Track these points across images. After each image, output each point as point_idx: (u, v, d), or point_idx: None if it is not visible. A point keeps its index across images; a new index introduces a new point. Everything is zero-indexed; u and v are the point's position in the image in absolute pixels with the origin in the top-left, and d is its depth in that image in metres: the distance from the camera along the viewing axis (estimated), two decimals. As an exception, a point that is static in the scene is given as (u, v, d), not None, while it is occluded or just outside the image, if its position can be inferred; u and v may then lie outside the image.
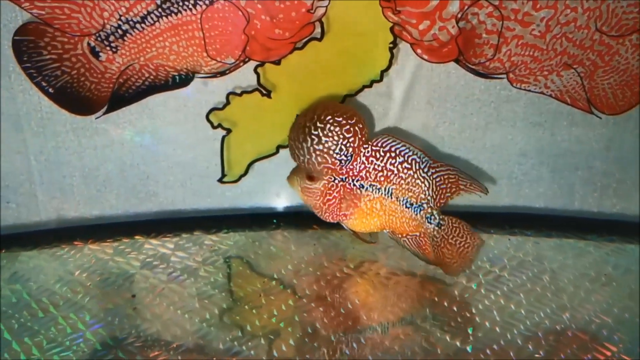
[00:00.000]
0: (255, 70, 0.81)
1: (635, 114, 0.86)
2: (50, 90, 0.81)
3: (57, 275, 0.78)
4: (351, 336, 0.68)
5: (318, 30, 0.79)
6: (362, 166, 0.79)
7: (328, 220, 0.82)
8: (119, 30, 0.80)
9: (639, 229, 0.90)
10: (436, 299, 0.73)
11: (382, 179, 0.79)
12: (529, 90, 0.85)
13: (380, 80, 0.83)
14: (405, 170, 0.78)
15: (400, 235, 0.81)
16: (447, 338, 0.67)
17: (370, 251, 0.83)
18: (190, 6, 0.78)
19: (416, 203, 0.79)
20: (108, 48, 0.80)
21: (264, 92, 0.83)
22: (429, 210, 0.78)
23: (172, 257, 0.82)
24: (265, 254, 0.83)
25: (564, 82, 0.85)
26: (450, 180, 0.78)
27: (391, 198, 0.79)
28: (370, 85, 0.83)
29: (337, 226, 0.83)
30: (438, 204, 0.79)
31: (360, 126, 0.78)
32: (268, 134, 0.85)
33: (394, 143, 0.79)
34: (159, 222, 0.89)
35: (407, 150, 0.78)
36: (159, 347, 0.66)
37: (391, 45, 0.81)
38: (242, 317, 0.70)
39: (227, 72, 0.82)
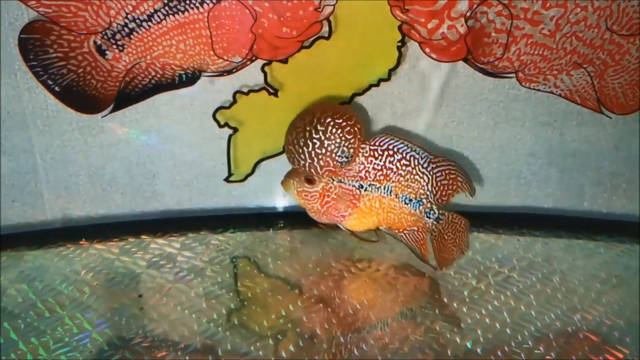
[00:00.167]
0: (262, 68, 0.81)
1: (645, 113, 0.87)
2: (57, 88, 0.81)
3: (63, 274, 0.78)
4: (360, 337, 0.68)
5: (326, 28, 0.79)
6: (362, 166, 0.79)
7: (325, 222, 0.82)
8: (126, 29, 0.79)
9: (650, 230, 0.90)
10: (445, 300, 0.72)
11: (382, 177, 0.79)
12: (539, 90, 0.84)
13: (388, 79, 0.82)
14: (404, 167, 0.78)
15: (397, 230, 0.81)
16: (457, 339, 0.66)
17: (378, 251, 0.83)
18: (197, 4, 0.77)
19: (415, 199, 0.79)
20: (114, 46, 0.80)
21: (271, 90, 0.82)
22: (428, 205, 0.78)
23: (178, 257, 0.82)
24: (272, 254, 0.83)
25: (573, 82, 0.84)
26: (451, 176, 0.78)
27: (390, 195, 0.79)
28: (378, 85, 0.83)
29: (343, 225, 0.83)
30: (440, 201, 0.78)
31: (359, 127, 0.78)
32: (275, 133, 0.84)
33: (392, 141, 0.78)
34: (165, 221, 0.89)
35: (405, 148, 0.78)
36: (167, 347, 0.65)
37: (399, 44, 0.80)
38: (249, 318, 0.70)
39: (234, 70, 0.81)
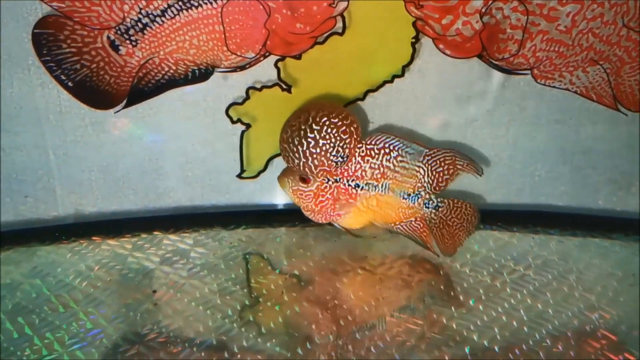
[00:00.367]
0: (275, 64, 0.81)
1: (661, 111, 0.86)
2: (70, 83, 0.81)
3: (77, 270, 0.78)
4: (376, 334, 0.67)
5: (339, 24, 0.78)
6: (358, 166, 0.78)
7: (320, 221, 0.81)
8: (139, 24, 0.79)
9: (665, 229, 0.89)
10: (461, 297, 0.72)
11: (379, 176, 0.78)
12: (554, 87, 0.84)
13: (402, 75, 0.82)
14: (400, 164, 0.78)
15: (393, 224, 0.81)
16: (475, 337, 0.66)
17: (392, 247, 0.82)
18: (211, 0, 0.78)
19: (413, 193, 0.78)
20: (128, 42, 0.79)
21: (284, 86, 0.82)
22: (427, 196, 0.78)
23: (191, 253, 0.82)
24: (285, 250, 0.83)
25: (589, 79, 0.84)
26: (447, 162, 0.77)
27: (388, 193, 0.79)
28: (391, 81, 0.82)
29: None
30: (437, 188, 0.78)
31: (355, 126, 0.77)
32: (288, 130, 0.85)
33: (387, 139, 0.78)
34: (178, 217, 0.88)
35: (401, 144, 0.78)
36: (182, 343, 0.65)
37: (413, 40, 0.80)
38: (264, 314, 0.69)
39: (247, 66, 0.81)
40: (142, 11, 0.78)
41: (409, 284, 0.76)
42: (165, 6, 0.78)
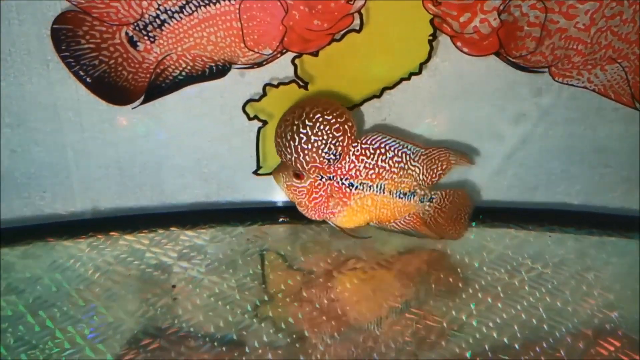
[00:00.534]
0: (292, 61, 0.81)
1: (680, 110, 0.86)
2: (88, 79, 0.81)
3: (95, 265, 0.78)
4: (396, 330, 0.67)
5: (357, 21, 0.78)
6: (352, 165, 0.78)
7: (313, 218, 0.81)
8: (157, 20, 0.79)
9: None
10: (480, 295, 0.72)
11: (374, 176, 0.78)
12: (572, 85, 0.83)
13: (419, 72, 0.82)
14: (396, 165, 0.78)
15: (387, 223, 0.81)
16: (494, 335, 0.66)
17: (409, 244, 0.82)
18: (229, -4, 0.78)
19: (409, 192, 0.79)
20: (146, 38, 0.80)
21: (301, 83, 0.82)
22: (422, 192, 0.79)
23: (208, 249, 0.82)
24: (302, 247, 0.83)
25: (607, 77, 0.83)
26: (441, 159, 0.78)
27: (384, 193, 0.79)
28: (408, 78, 0.82)
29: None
30: (430, 182, 0.79)
31: (350, 124, 0.77)
32: (304, 126, 0.85)
33: (383, 139, 0.78)
34: (194, 213, 0.89)
35: (397, 145, 0.78)
36: (202, 337, 0.65)
37: (430, 38, 0.80)
38: (284, 310, 0.70)
39: (265, 63, 0.81)
40: (161, 7, 0.78)
41: (426, 281, 0.76)
42: (184, 2, 0.78)
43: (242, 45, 0.79)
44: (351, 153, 0.77)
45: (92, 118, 0.84)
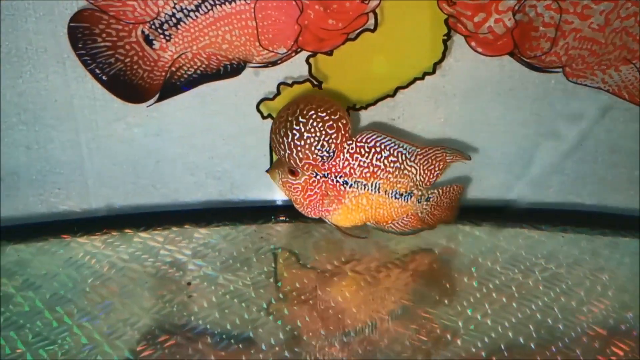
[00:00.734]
0: (307, 60, 0.81)
1: (694, 110, 0.86)
2: (104, 77, 0.81)
3: (110, 262, 0.79)
4: (412, 329, 0.68)
5: (371, 21, 0.78)
6: (346, 163, 0.78)
7: (309, 216, 0.81)
8: (173, 19, 0.79)
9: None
10: (494, 294, 0.72)
11: (368, 175, 0.78)
12: (586, 85, 0.83)
13: (433, 72, 0.82)
14: (391, 164, 0.78)
15: (385, 223, 0.81)
16: (510, 334, 0.66)
17: (422, 243, 0.82)
18: (245, -5, 0.78)
19: (406, 192, 0.79)
20: (162, 36, 0.80)
21: (315, 82, 0.82)
22: (419, 193, 0.79)
23: (222, 246, 0.82)
24: (315, 245, 0.83)
25: (622, 77, 0.83)
26: (438, 159, 0.78)
27: (379, 192, 0.79)
28: (422, 78, 0.82)
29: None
30: (428, 183, 0.79)
31: (344, 122, 0.76)
32: (318, 125, 0.85)
33: (379, 138, 0.78)
34: (208, 211, 0.89)
35: (392, 144, 0.78)
36: (219, 335, 0.66)
37: (445, 38, 0.80)
38: (299, 308, 0.70)
39: (279, 62, 0.81)
40: (177, 6, 0.78)
41: (440, 280, 0.76)
42: (200, 1, 0.78)
43: (257, 44, 0.80)
44: (345, 151, 0.77)
45: (107, 116, 0.84)
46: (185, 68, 0.82)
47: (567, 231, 0.86)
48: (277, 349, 0.64)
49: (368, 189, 0.78)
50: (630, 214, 0.90)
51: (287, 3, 0.77)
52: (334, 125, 0.75)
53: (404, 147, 0.78)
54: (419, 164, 0.78)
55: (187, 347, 0.64)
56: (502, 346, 0.63)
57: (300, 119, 0.74)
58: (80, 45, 0.79)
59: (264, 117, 0.84)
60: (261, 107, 0.84)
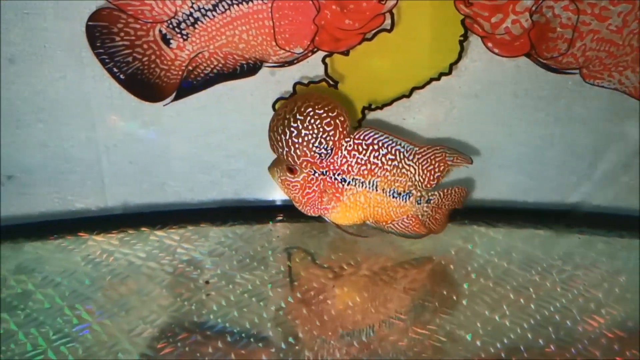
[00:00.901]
0: (323, 60, 0.81)
1: None
2: (121, 76, 0.81)
3: (128, 260, 0.79)
4: (432, 328, 0.68)
5: (388, 21, 0.78)
6: (344, 160, 0.78)
7: (309, 214, 0.81)
8: (191, 18, 0.80)
9: None
10: (511, 295, 0.72)
11: (366, 172, 0.78)
12: (603, 87, 0.83)
13: (449, 73, 0.82)
14: (389, 162, 0.77)
15: (384, 223, 0.81)
16: (529, 335, 0.66)
17: (434, 244, 0.82)
18: (262, -6, 0.78)
19: (404, 192, 0.78)
20: (179, 35, 0.80)
21: (331, 82, 0.82)
22: (418, 194, 0.78)
23: (239, 245, 0.82)
24: (330, 244, 0.83)
25: (639, 79, 0.84)
26: (437, 159, 0.78)
27: (376, 191, 0.78)
28: (438, 78, 0.82)
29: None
30: (428, 185, 0.78)
31: (342, 119, 0.76)
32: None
33: (376, 135, 0.78)
34: (223, 210, 0.89)
35: (390, 142, 0.77)
36: (238, 333, 0.66)
37: (461, 39, 0.80)
38: (317, 307, 0.70)
39: (295, 61, 0.81)
40: (194, 5, 0.79)
41: (456, 281, 0.76)
42: (217, 0, 0.78)
43: (274, 43, 0.80)
44: (343, 148, 0.77)
45: (124, 114, 0.84)
46: (201, 67, 0.82)
47: (583, 233, 0.85)
48: (296, 347, 0.64)
49: (366, 187, 0.78)
50: (646, 215, 0.93)
51: (304, 3, 0.78)
52: (332, 122, 0.75)
53: (402, 145, 0.77)
54: (417, 163, 0.78)
55: (206, 345, 0.64)
56: (522, 347, 0.64)
57: (298, 116, 0.74)
58: (98, 44, 0.79)
59: (279, 117, 0.86)
60: (277, 107, 0.84)
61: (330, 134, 0.75)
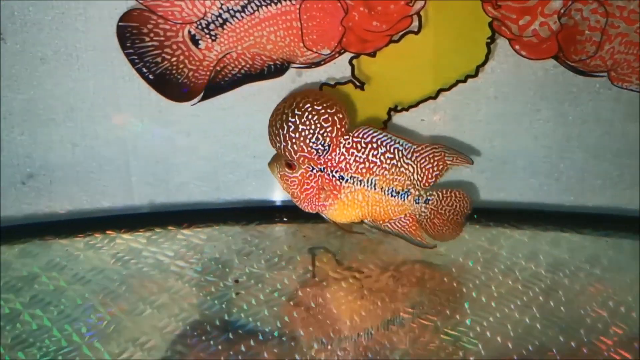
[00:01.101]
0: (350, 61, 0.81)
1: None
2: (150, 76, 0.82)
3: (156, 258, 0.80)
4: (460, 329, 0.68)
5: (415, 23, 0.79)
6: (342, 157, 0.77)
7: (306, 210, 0.81)
8: (219, 19, 0.80)
9: None
10: (541, 298, 0.72)
11: (364, 170, 0.78)
12: (631, 90, 0.83)
13: (476, 75, 0.82)
14: (388, 161, 0.77)
15: (382, 222, 0.80)
16: (561, 338, 0.66)
17: (460, 245, 0.82)
18: (291, -4, 0.79)
19: (402, 190, 0.78)
20: (208, 36, 0.81)
21: (358, 84, 0.82)
22: (416, 192, 0.78)
23: (266, 245, 0.83)
24: (357, 245, 0.83)
25: (667, 82, 0.84)
26: (436, 158, 0.77)
27: (375, 189, 0.78)
28: (465, 80, 0.82)
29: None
30: (426, 184, 0.78)
31: (340, 116, 0.76)
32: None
33: (375, 134, 0.77)
34: (249, 210, 0.90)
35: (389, 140, 0.77)
36: (270, 332, 0.66)
37: (489, 41, 0.80)
38: (347, 307, 0.71)
39: (322, 63, 0.82)
40: (223, 6, 0.79)
41: (484, 282, 0.76)
42: (246, 2, 0.79)
43: (301, 44, 0.80)
44: (342, 145, 0.77)
45: (152, 115, 0.85)
46: (229, 68, 0.83)
47: (610, 235, 0.85)
48: (329, 347, 0.64)
49: (364, 185, 0.78)
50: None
51: (332, 4, 0.78)
52: (330, 118, 0.75)
53: (401, 143, 0.77)
54: (415, 162, 0.77)
55: (239, 344, 0.64)
56: (555, 351, 0.63)
57: (296, 112, 0.75)
58: (128, 45, 0.80)
59: (306, 117, 0.86)
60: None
61: (328, 130, 0.75)
